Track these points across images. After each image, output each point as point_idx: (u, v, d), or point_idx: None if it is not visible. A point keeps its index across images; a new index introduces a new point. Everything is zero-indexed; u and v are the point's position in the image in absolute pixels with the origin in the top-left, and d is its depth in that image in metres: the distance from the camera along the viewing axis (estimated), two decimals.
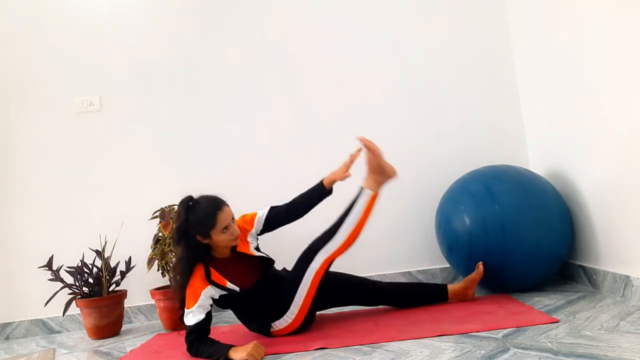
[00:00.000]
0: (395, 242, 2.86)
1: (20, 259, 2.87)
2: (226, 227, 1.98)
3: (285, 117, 2.92)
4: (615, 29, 1.97)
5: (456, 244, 2.41)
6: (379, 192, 2.14)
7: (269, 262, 2.16)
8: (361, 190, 2.13)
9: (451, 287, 2.33)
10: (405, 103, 2.91)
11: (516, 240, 2.25)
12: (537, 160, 2.78)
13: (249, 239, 2.14)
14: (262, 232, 2.17)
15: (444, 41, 2.92)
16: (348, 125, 2.89)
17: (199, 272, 2.01)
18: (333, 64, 2.93)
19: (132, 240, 2.74)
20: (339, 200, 2.16)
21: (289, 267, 2.20)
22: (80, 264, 2.62)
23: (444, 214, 2.51)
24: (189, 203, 2.00)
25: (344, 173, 2.15)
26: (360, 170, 2.17)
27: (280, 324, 2.10)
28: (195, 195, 2.04)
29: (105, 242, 2.68)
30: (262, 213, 2.16)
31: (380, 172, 2.13)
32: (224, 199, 2.04)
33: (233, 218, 2.03)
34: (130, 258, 2.71)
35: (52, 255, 2.64)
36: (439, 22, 2.93)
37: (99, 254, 2.65)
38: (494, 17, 2.92)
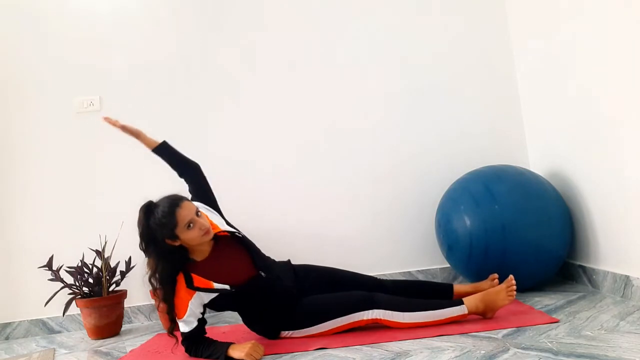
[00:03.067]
0: (395, 242, 2.86)
1: (20, 259, 2.87)
2: (190, 223, 1.90)
3: (286, 117, 2.92)
4: (615, 28, 1.97)
5: (456, 244, 2.41)
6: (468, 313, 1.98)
7: (253, 249, 2.06)
8: (460, 300, 1.98)
9: (459, 287, 2.23)
10: (405, 103, 2.91)
11: (516, 240, 2.25)
12: (537, 160, 2.78)
13: (211, 218, 2.05)
14: (196, 197, 2.14)
15: (444, 42, 2.92)
16: (348, 125, 2.90)
17: (180, 282, 1.94)
18: (333, 65, 2.92)
19: (132, 240, 2.71)
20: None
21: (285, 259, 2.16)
22: (80, 264, 2.62)
23: (444, 214, 2.51)
24: (147, 207, 1.94)
25: None
26: None
27: (296, 334, 2.04)
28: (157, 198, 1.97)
29: (105, 242, 2.68)
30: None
31: (492, 310, 1.98)
32: (182, 195, 1.99)
33: (198, 212, 1.95)
34: (130, 258, 2.70)
35: (52, 255, 2.64)
36: (439, 24, 2.93)
37: (99, 254, 2.65)
38: (494, 18, 2.92)
